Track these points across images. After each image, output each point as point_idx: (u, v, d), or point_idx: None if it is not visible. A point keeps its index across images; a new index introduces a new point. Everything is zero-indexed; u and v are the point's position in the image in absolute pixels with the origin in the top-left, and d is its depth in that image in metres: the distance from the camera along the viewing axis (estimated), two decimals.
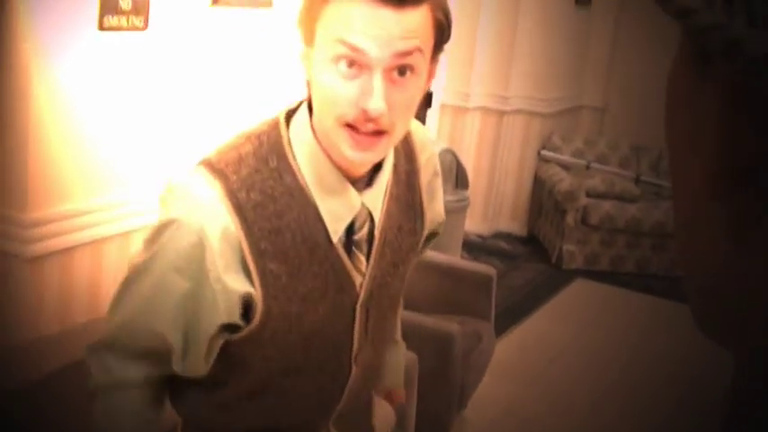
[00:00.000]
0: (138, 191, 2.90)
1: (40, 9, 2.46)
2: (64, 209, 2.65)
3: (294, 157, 1.32)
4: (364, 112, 1.21)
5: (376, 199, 1.39)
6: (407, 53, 1.21)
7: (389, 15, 1.19)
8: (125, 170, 2.86)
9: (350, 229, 1.37)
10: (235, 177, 1.28)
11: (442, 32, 1.27)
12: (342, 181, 1.33)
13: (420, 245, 1.55)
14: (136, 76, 2.80)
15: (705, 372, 4.59)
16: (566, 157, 6.52)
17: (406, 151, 1.47)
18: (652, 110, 7.10)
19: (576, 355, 4.68)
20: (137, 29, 2.72)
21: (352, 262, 1.38)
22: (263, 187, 1.30)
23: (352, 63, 1.21)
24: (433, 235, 1.61)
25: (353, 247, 1.39)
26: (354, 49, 1.20)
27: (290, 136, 1.33)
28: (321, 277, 1.35)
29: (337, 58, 1.21)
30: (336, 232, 1.34)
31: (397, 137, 1.29)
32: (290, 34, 3.62)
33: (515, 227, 6.57)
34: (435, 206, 1.56)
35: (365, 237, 1.39)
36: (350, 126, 1.23)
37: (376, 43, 1.19)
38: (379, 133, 1.24)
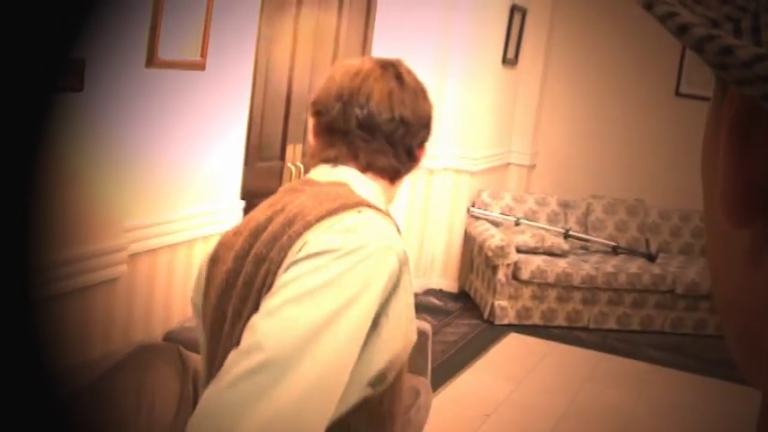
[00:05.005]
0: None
1: None
2: None
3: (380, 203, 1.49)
4: None
5: None
6: None
7: None
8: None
9: None
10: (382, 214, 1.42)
11: None
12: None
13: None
14: (71, 136, 2.80)
15: (639, 424, 4.68)
16: (495, 214, 6.64)
17: (318, 216, 1.36)
18: (578, 166, 7.29)
19: (511, 409, 4.73)
20: (74, 90, 2.73)
21: None
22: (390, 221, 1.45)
23: None
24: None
25: None
26: None
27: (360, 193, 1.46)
28: None
29: None
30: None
31: None
32: (222, 96, 3.67)
33: (446, 283, 6.63)
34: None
35: None
36: None
37: None
38: None
